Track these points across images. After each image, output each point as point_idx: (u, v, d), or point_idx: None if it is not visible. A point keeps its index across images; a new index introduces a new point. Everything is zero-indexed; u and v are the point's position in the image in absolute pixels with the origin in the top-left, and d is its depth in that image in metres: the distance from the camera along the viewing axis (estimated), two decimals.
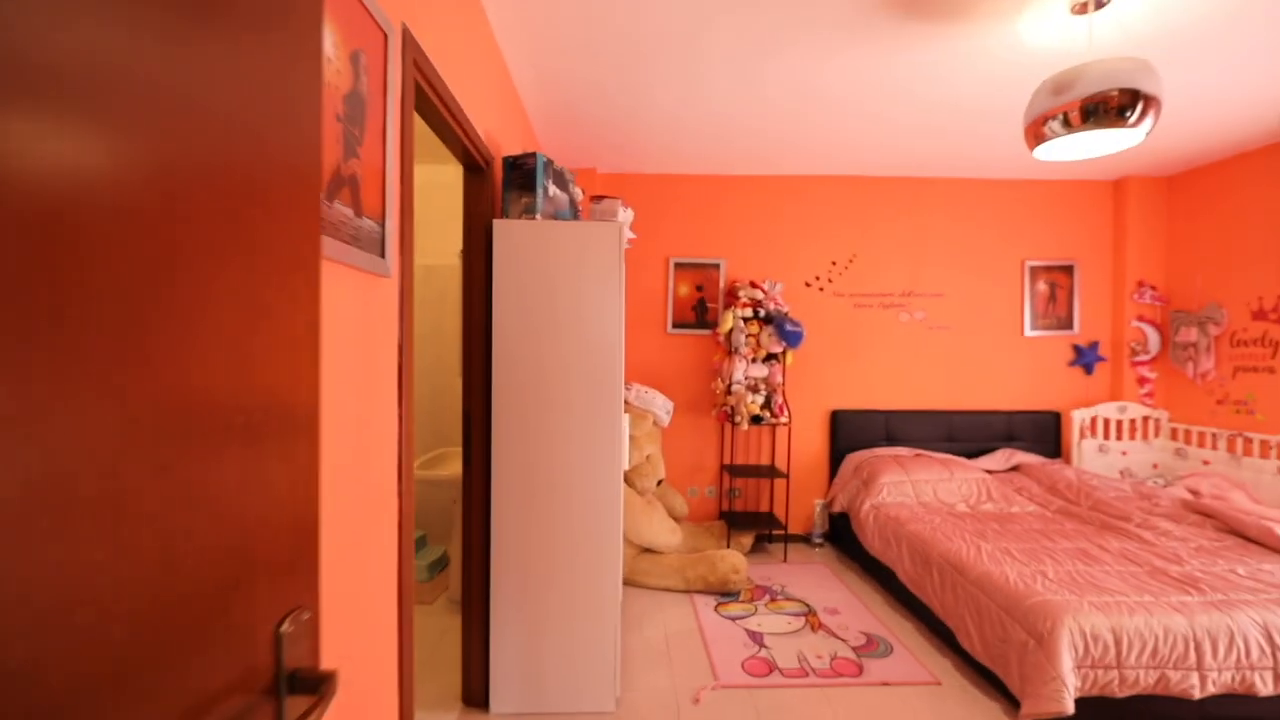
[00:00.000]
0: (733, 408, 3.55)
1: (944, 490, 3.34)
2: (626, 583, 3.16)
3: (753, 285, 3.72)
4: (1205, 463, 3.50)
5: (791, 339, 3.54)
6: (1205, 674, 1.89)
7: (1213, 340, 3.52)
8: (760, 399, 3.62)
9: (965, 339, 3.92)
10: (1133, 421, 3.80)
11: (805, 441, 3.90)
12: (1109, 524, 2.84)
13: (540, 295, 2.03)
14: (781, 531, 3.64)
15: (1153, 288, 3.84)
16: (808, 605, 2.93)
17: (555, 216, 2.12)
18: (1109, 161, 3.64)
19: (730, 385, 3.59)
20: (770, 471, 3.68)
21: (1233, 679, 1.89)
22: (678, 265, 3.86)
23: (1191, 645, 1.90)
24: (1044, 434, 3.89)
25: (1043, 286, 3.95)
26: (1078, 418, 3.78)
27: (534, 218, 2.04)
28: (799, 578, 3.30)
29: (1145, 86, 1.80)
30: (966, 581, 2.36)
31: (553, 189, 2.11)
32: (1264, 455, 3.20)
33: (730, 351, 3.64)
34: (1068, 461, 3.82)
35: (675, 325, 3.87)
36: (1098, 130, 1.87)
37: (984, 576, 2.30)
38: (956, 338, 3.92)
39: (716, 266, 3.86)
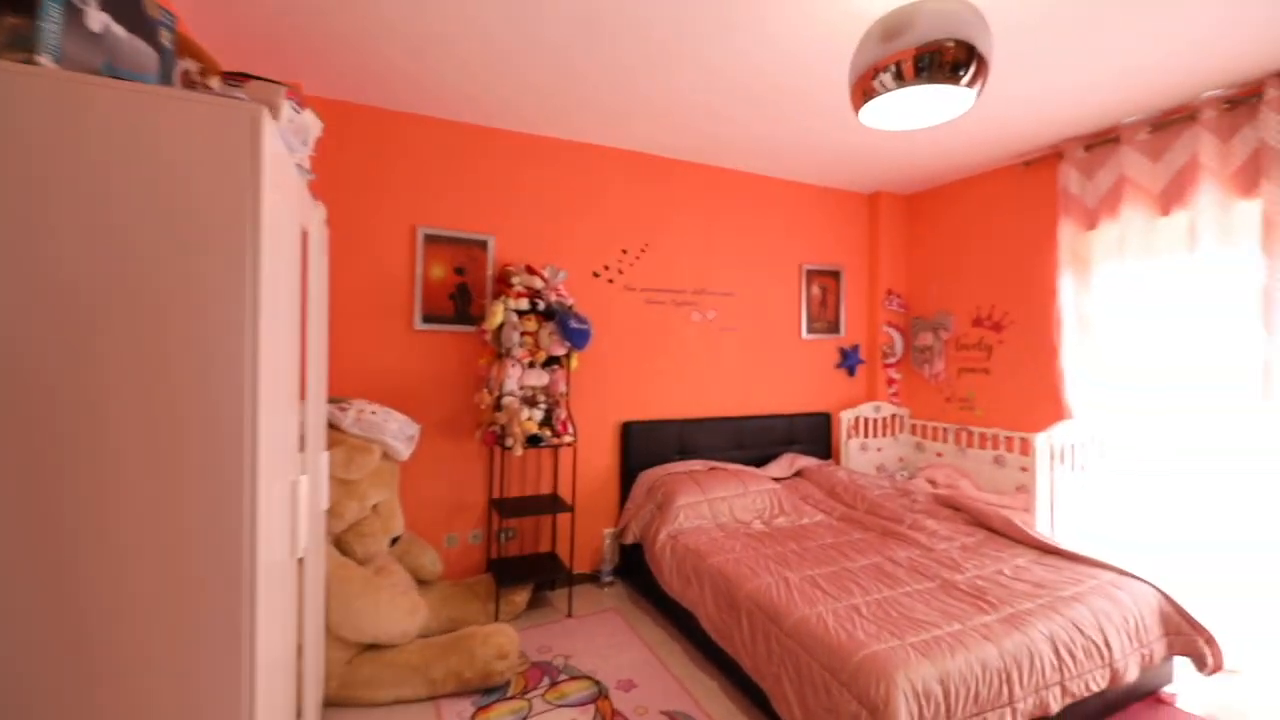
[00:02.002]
0: (503, 427, 2.73)
1: (740, 507, 3.04)
2: (336, 704, 2.10)
3: (530, 271, 2.95)
4: (938, 455, 3.88)
5: (577, 338, 2.87)
6: (1015, 706, 1.74)
7: (943, 344, 3.92)
8: (539, 414, 2.87)
9: (752, 341, 3.76)
10: (884, 419, 4.07)
11: (592, 462, 3.28)
12: (889, 530, 2.80)
13: (75, 237, 0.94)
14: (566, 574, 2.95)
15: (898, 295, 4.19)
16: (597, 683, 2.27)
17: (110, 73, 1.04)
18: (867, 175, 3.81)
19: (501, 397, 2.77)
20: (552, 504, 2.96)
21: (1033, 704, 1.77)
22: (430, 239, 2.88)
23: (1003, 679, 1.73)
24: (819, 435, 3.95)
25: (816, 290, 4.01)
26: (845, 418, 3.90)
27: (36, 60, 0.94)
28: (587, 637, 2.64)
29: (979, 44, 1.54)
30: (782, 633, 1.95)
31: (101, 19, 1.03)
32: (983, 446, 3.61)
33: (500, 354, 2.82)
34: (838, 461, 3.92)
35: (427, 319, 2.89)
36: (930, 85, 1.56)
37: (800, 625, 1.92)
38: (745, 340, 3.73)
39: (483, 245, 3.00)
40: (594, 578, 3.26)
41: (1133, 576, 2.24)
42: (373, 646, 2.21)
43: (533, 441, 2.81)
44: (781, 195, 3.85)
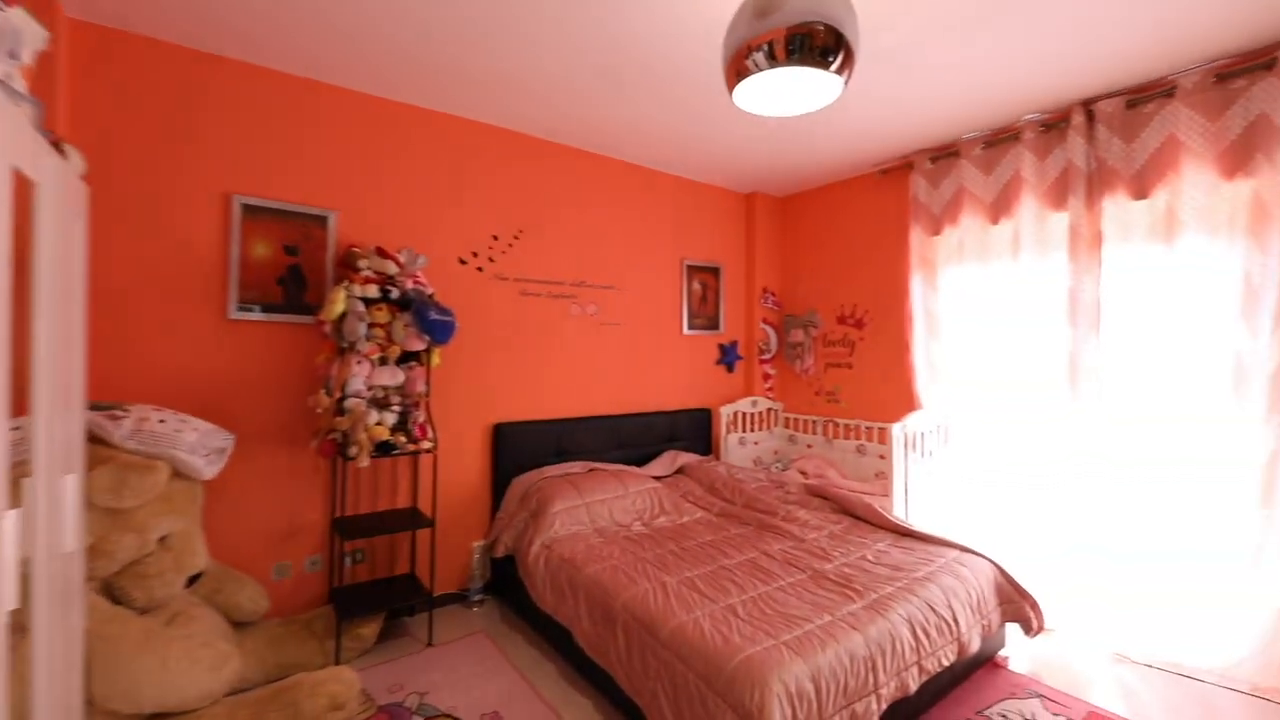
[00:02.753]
0: (345, 434, 2.35)
1: (619, 509, 2.90)
2: None
3: (382, 254, 2.58)
4: (809, 446, 4.05)
5: (438, 331, 2.56)
6: (880, 692, 1.76)
7: (813, 341, 4.11)
8: (391, 417, 2.51)
9: (634, 337, 3.66)
10: (760, 414, 4.18)
11: (460, 469, 2.97)
12: (764, 522, 2.82)
13: None
14: (427, 597, 2.62)
15: (773, 294, 4.33)
16: None
17: None
18: (742, 174, 3.87)
19: (344, 399, 2.37)
20: (410, 519, 2.61)
21: (895, 688, 1.82)
22: (251, 210, 2.40)
23: (869, 667, 1.75)
24: (700, 431, 3.95)
25: (697, 286, 4.01)
26: (725, 413, 3.94)
27: None
28: (449, 667, 2.35)
29: (847, 32, 1.51)
30: (658, 644, 1.83)
31: None
32: (847, 437, 3.82)
33: (343, 349, 2.42)
34: (718, 457, 3.95)
35: (246, 306, 2.40)
36: (801, 68, 1.51)
37: (677, 633, 1.81)
38: (627, 335, 3.62)
39: (322, 221, 2.56)
40: (462, 597, 2.95)
41: (972, 552, 2.42)
42: (161, 716, 1.75)
43: (383, 449, 2.45)
44: (663, 189, 3.78)
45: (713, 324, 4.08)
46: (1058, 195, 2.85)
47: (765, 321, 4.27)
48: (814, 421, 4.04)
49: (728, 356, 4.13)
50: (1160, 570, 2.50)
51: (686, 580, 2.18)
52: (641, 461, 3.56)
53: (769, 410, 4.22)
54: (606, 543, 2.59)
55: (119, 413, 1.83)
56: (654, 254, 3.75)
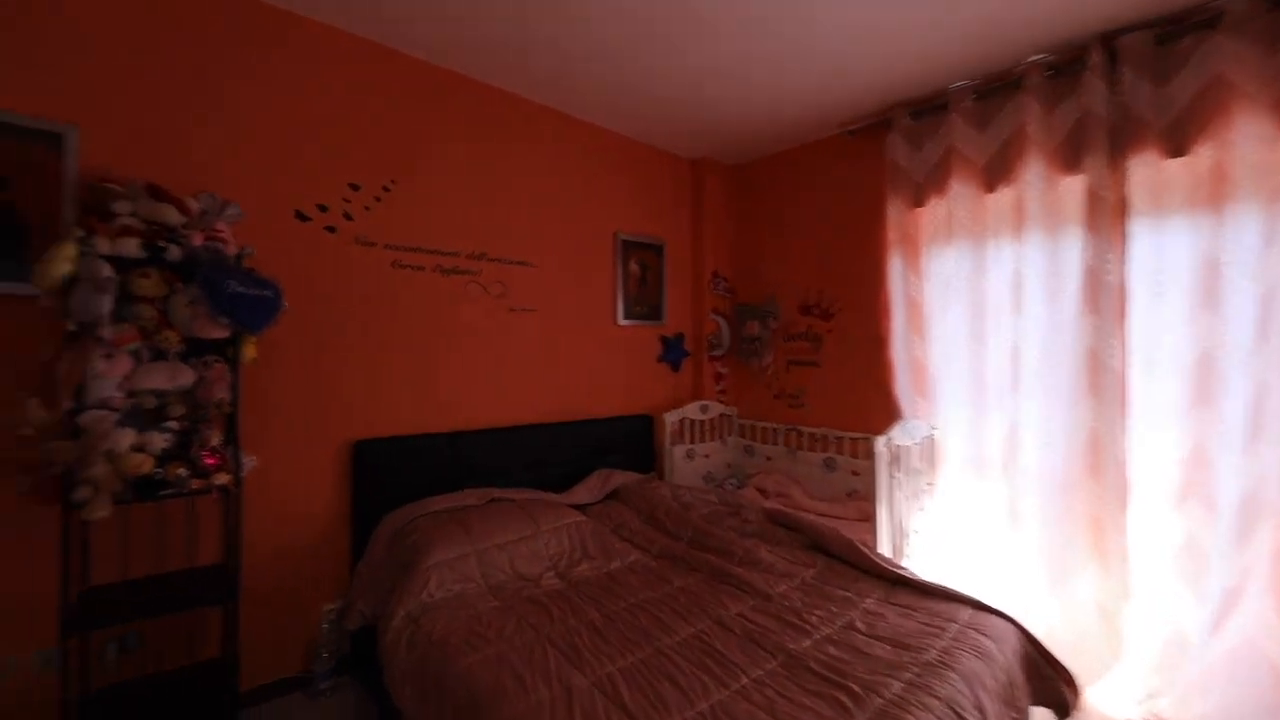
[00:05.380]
0: (72, 469, 1.49)
1: (525, 556, 2.16)
2: None
3: (156, 195, 1.72)
4: (768, 459, 3.43)
5: (248, 312, 1.73)
6: None
7: (771, 334, 3.49)
8: (162, 439, 1.66)
9: (556, 326, 2.91)
10: (711, 421, 3.53)
11: (299, 506, 2.13)
12: (718, 568, 2.14)
13: None
14: (232, 694, 1.78)
15: (725, 278, 3.68)
16: None
17: None
18: (686, 135, 3.22)
19: (77, 411, 1.51)
20: (211, 582, 1.78)
21: None
22: None
23: None
24: (638, 443, 3.25)
25: (635, 267, 3.31)
26: (669, 421, 3.26)
27: None
28: None
29: None
30: None
31: None
32: (812, 448, 3.22)
33: (73, 333, 1.55)
34: (662, 475, 3.27)
35: None
36: None
37: None
38: (546, 324, 2.87)
39: (54, 140, 1.68)
40: (304, 683, 2.12)
41: (990, 611, 1.83)
42: None
43: (145, 491, 1.60)
44: (589, 144, 3.06)
45: (654, 313, 3.40)
46: (1070, 155, 2.32)
47: (716, 311, 3.62)
48: (774, 430, 3.43)
49: (672, 352, 3.45)
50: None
51: (606, 680, 1.47)
52: (565, 484, 2.82)
53: (721, 416, 3.57)
54: (502, 610, 1.85)
55: None
56: (579, 223, 3.02)
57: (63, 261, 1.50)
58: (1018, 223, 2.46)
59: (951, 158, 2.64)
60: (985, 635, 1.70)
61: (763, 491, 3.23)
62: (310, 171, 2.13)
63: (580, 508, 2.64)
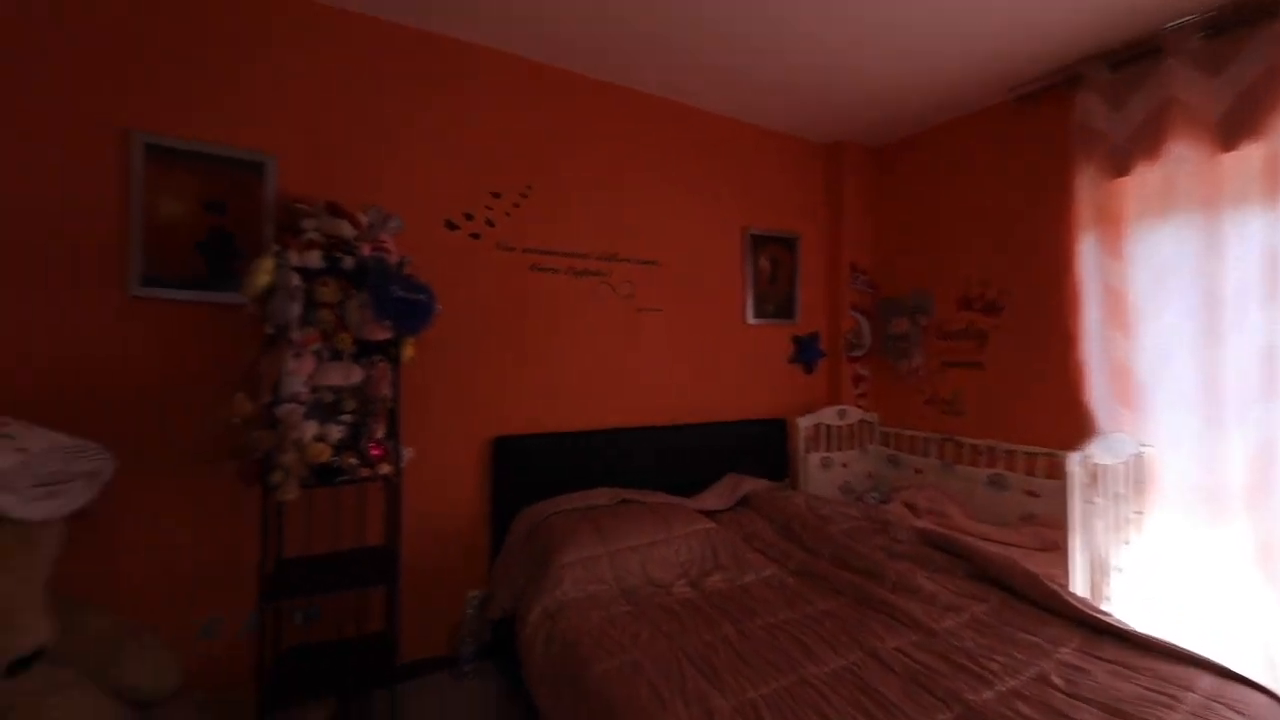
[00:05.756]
0: (269, 454, 1.70)
1: (658, 561, 2.10)
2: None
3: (335, 211, 1.92)
4: (917, 472, 3.07)
5: (405, 315, 1.87)
6: None
7: (922, 332, 3.12)
8: (339, 431, 1.85)
9: (683, 326, 2.84)
10: (850, 427, 3.24)
11: (446, 497, 2.28)
12: (866, 593, 1.92)
13: None
14: (391, 669, 1.94)
15: (865, 272, 3.37)
16: None
17: None
18: (822, 117, 2.98)
19: (274, 404, 1.73)
20: (375, 565, 1.95)
21: None
22: (158, 153, 1.81)
23: None
24: (769, 448, 3.08)
25: (765, 263, 3.14)
26: (803, 426, 3.04)
27: None
28: None
29: None
30: None
31: None
32: (974, 463, 2.82)
33: (271, 336, 1.78)
34: (796, 484, 3.06)
35: (154, 280, 1.81)
36: None
37: None
38: (673, 324, 2.81)
39: (257, 168, 1.94)
40: (451, 663, 2.26)
41: (1245, 682, 1.43)
42: None
43: (327, 477, 1.78)
44: (717, 136, 2.95)
45: (785, 311, 3.20)
46: None
47: (856, 308, 3.33)
48: (925, 439, 3.06)
49: (806, 353, 3.22)
50: None
51: (749, 707, 1.35)
52: (693, 489, 2.74)
53: (861, 423, 3.27)
54: (636, 616, 1.81)
55: None
56: (707, 221, 2.92)
57: (263, 273, 1.71)
58: (1271, 186, 1.93)
59: (1169, 113, 2.15)
60: (1240, 714, 1.32)
61: (911, 508, 2.89)
62: (457, 183, 2.27)
63: (710, 514, 2.54)
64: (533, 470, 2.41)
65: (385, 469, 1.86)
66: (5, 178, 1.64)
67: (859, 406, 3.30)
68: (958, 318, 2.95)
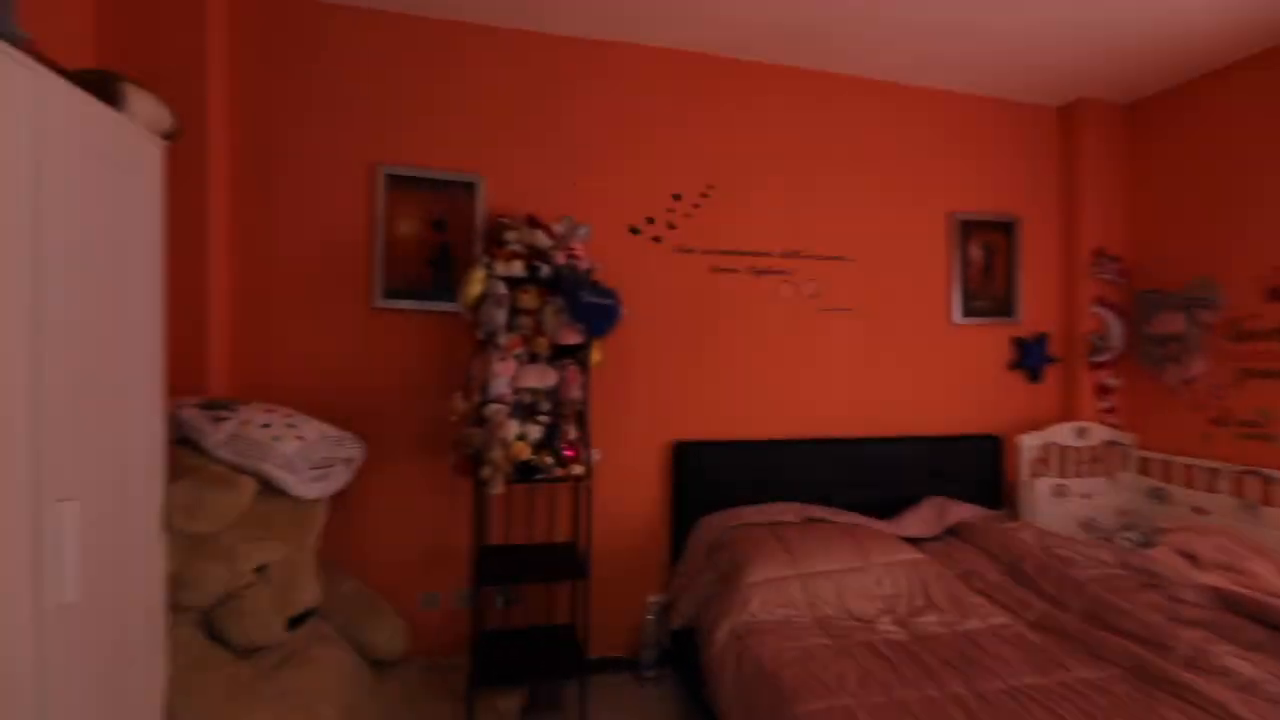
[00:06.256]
0: (478, 450, 1.83)
1: (856, 591, 1.88)
2: None
3: (533, 224, 2.04)
4: (1198, 511, 2.38)
5: (595, 319, 1.91)
6: None
7: (1203, 331, 2.42)
8: (536, 431, 1.94)
9: (876, 327, 2.55)
10: (1093, 449, 2.63)
11: (628, 499, 2.29)
12: (1145, 667, 1.50)
13: None
14: (579, 661, 1.98)
15: (1115, 258, 2.73)
16: None
17: None
18: (1057, 73, 2.46)
19: (483, 404, 1.88)
20: (565, 561, 2.02)
21: None
22: (396, 181, 2.08)
23: None
24: (980, 470, 2.63)
25: (976, 252, 2.69)
26: (1026, 446, 2.55)
27: None
28: None
29: None
30: None
31: None
32: None
33: (482, 341, 1.93)
34: (1014, 512, 2.57)
35: (393, 293, 2.08)
36: None
37: None
38: (863, 325, 2.54)
39: (469, 188, 2.13)
40: (632, 665, 2.27)
41: None
42: None
43: (527, 473, 1.88)
44: (917, 110, 2.60)
45: (1003, 308, 2.71)
46: None
47: (1101, 302, 2.71)
48: (1212, 470, 2.36)
49: (1030, 357, 2.70)
50: None
51: None
52: (886, 509, 2.44)
53: (1109, 445, 2.64)
54: (837, 651, 1.62)
55: (225, 413, 1.56)
56: (906, 208, 2.59)
57: (476, 283, 1.86)
58: None
59: None
60: None
61: (1189, 557, 2.23)
62: (639, 188, 2.29)
63: (912, 541, 2.22)
64: (710, 477, 2.32)
65: (577, 470, 1.91)
66: (300, 213, 2.01)
67: (1106, 424, 2.67)
68: (1264, 312, 2.23)
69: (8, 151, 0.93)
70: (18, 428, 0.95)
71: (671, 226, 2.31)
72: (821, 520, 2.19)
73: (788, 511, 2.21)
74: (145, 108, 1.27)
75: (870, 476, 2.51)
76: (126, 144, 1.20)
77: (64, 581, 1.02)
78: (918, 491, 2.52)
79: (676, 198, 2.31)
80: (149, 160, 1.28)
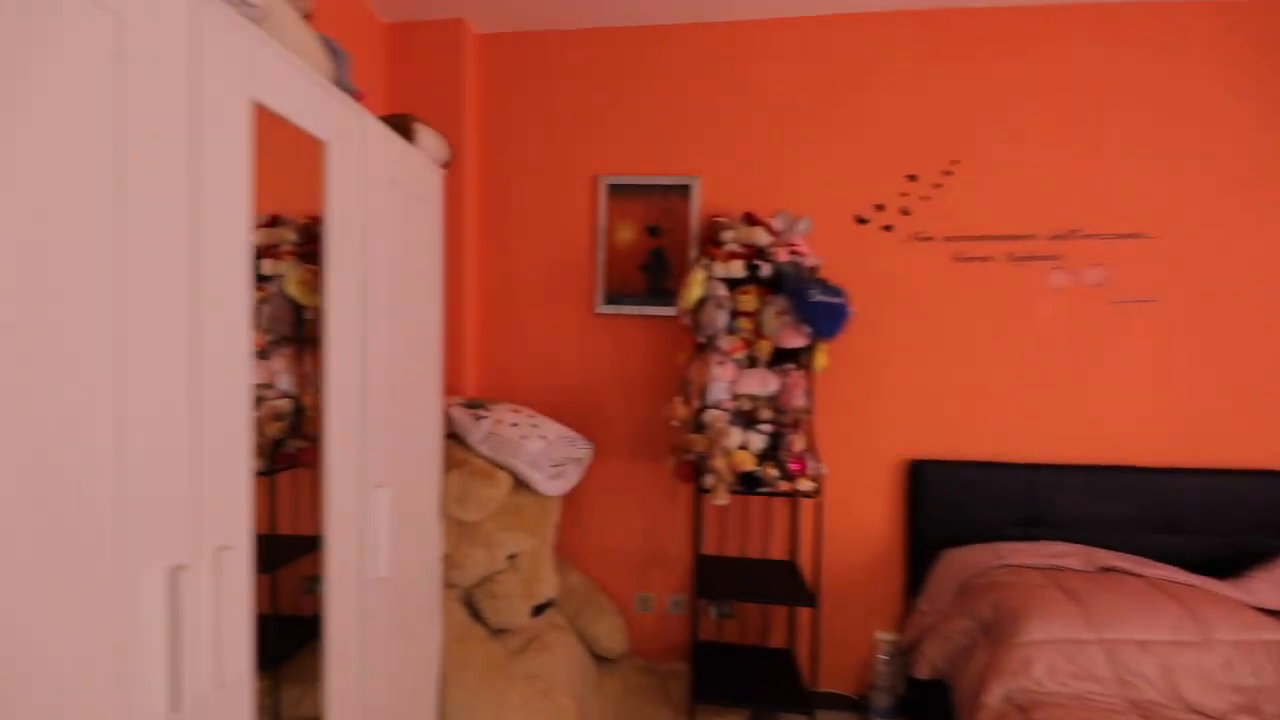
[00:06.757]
0: (701, 457, 1.78)
1: (1191, 673, 1.41)
2: None
3: (751, 220, 1.94)
4: None
5: (823, 319, 1.74)
6: None
7: None
8: (759, 440, 1.82)
9: (1188, 323, 1.94)
10: None
11: (853, 521, 2.05)
12: None
13: None
14: (802, 693, 1.81)
15: None
16: None
17: None
18: None
19: (702, 410, 1.82)
20: (785, 582, 1.88)
21: None
22: (615, 190, 2.13)
23: None
24: None
25: None
26: None
27: None
28: None
29: None
30: None
31: None
32: None
33: (701, 344, 1.88)
34: None
35: (613, 298, 2.14)
36: None
37: None
38: (1172, 322, 1.95)
39: (684, 191, 2.10)
40: (857, 705, 2.03)
41: None
42: None
43: (747, 484, 1.77)
44: (1240, 25, 1.91)
45: None
46: None
47: None
48: None
49: None
50: None
51: None
52: (1203, 559, 1.84)
53: None
54: None
55: (482, 412, 1.71)
56: (1230, 161, 1.92)
57: (696, 285, 1.81)
58: None
59: None
60: None
61: None
62: (867, 173, 2.04)
63: (1273, 614, 1.63)
64: (955, 503, 1.98)
65: (805, 485, 1.75)
66: (533, 226, 2.18)
67: None
68: None
69: (350, 183, 1.09)
70: (350, 425, 1.11)
71: (905, 212, 2.02)
72: (1121, 570, 1.71)
73: (1069, 555, 1.77)
74: (430, 142, 1.44)
75: (1182, 518, 1.91)
76: (419, 174, 1.37)
77: (379, 558, 1.18)
78: (1261, 544, 1.86)
79: (911, 179, 2.02)
80: (434, 187, 1.45)
